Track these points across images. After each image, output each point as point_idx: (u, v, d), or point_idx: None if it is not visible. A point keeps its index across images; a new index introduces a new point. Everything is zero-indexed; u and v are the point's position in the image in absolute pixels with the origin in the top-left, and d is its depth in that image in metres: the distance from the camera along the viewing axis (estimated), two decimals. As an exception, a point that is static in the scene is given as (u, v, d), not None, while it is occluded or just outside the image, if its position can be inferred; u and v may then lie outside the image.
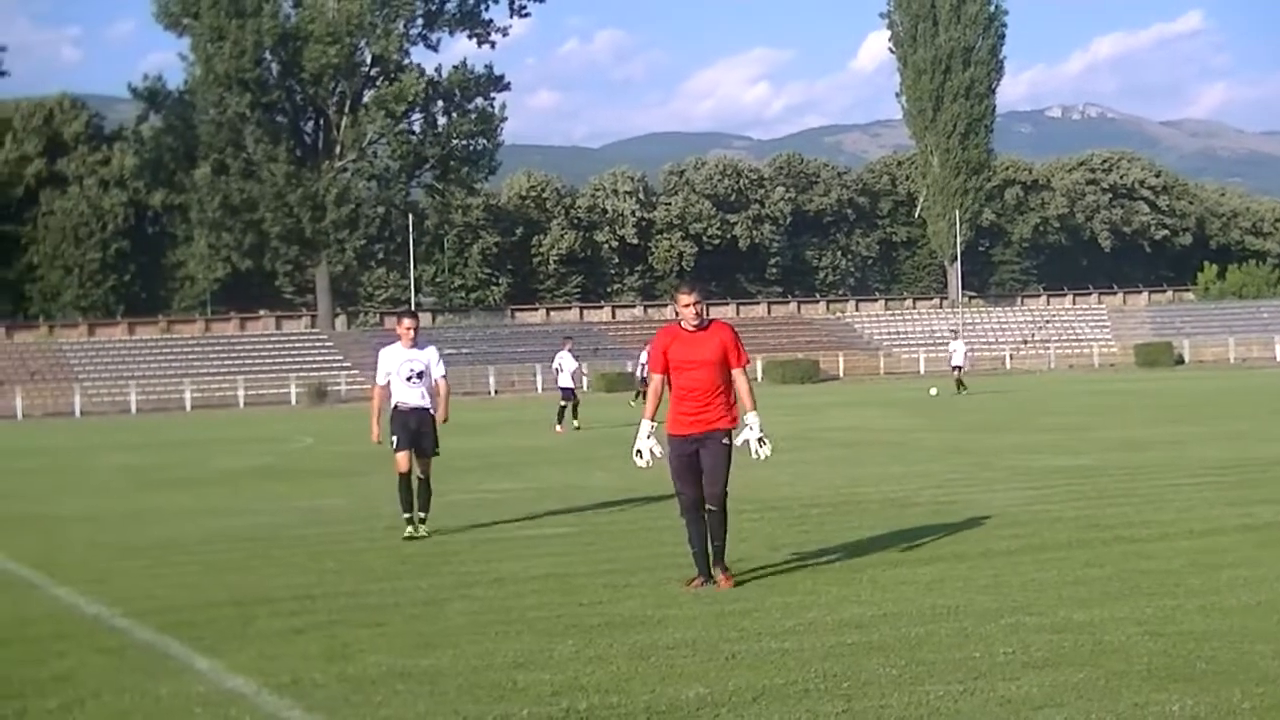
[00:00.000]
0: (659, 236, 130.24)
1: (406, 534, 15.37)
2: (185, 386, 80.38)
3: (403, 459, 15.67)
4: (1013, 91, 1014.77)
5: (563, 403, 38.03)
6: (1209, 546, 12.68)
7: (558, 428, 36.63)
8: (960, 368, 54.83)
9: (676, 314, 11.73)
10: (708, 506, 11.42)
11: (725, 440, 11.44)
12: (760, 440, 11.54)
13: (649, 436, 11.64)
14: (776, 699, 7.81)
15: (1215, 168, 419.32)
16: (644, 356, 39.65)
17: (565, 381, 38.24)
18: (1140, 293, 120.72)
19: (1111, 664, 8.29)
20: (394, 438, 15.76)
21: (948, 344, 61.69)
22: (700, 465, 11.40)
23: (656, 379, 11.63)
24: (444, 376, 16.08)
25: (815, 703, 7.68)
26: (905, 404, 47.43)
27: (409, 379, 15.73)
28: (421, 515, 15.62)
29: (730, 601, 10.72)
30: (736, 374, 11.51)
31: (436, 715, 7.73)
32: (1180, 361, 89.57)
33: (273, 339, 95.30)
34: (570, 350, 39.23)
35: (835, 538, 14.24)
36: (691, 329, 11.46)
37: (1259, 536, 13.17)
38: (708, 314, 11.81)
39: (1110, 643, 8.85)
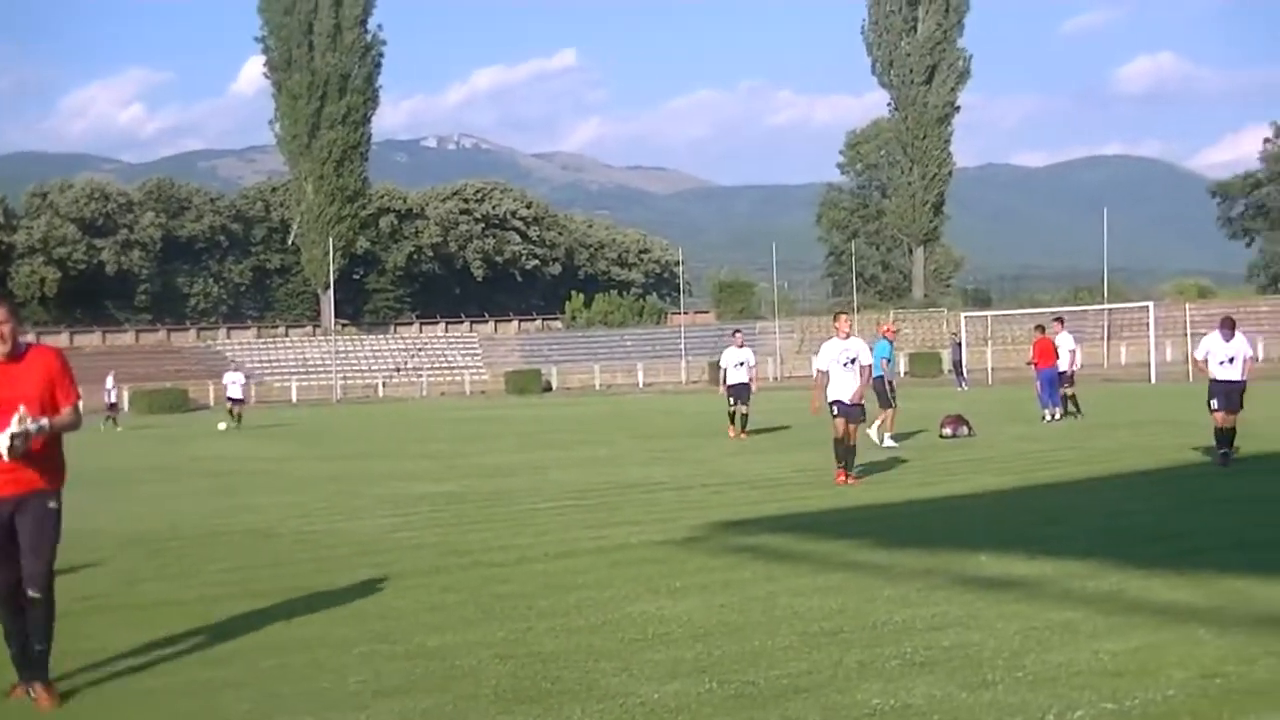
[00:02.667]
0: (19, 261, 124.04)
1: None
2: None
3: None
4: (392, 120, 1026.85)
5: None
6: (563, 569, 13.02)
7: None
8: (240, 400, 52.26)
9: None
10: (30, 592, 8.60)
11: (52, 503, 8.66)
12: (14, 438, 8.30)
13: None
14: (118, 743, 7.48)
15: (584, 200, 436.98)
16: None
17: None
18: (511, 321, 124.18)
19: (462, 688, 8.38)
20: None
21: (223, 375, 57.17)
22: (17, 539, 8.59)
23: None
24: None
25: (158, 744, 7.41)
26: (277, 432, 46.91)
27: None
28: None
29: (75, 641, 10.17)
30: (67, 414, 8.70)
31: None
32: (548, 388, 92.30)
33: None
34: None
35: (195, 571, 13.86)
36: (2, 359, 8.55)
37: (611, 558, 13.62)
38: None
39: (462, 667, 8.95)
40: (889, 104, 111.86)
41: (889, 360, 28.72)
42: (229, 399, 51.82)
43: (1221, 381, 20.81)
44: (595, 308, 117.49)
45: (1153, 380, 61.36)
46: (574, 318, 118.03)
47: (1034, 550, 12.70)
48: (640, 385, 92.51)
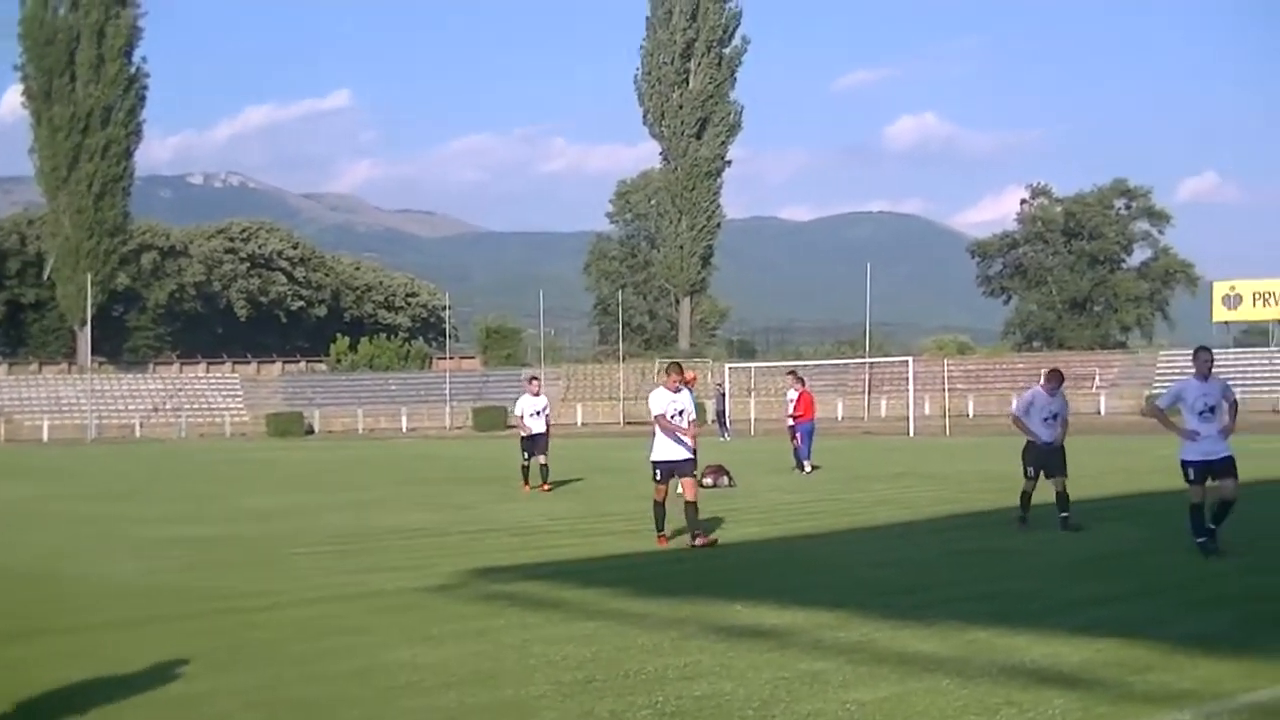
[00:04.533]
0: None
1: None
2: None
3: None
4: (159, 155, 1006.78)
5: None
6: (319, 614, 12.87)
7: None
8: None
9: None
10: None
11: None
12: None
13: None
14: None
15: (353, 242, 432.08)
16: None
17: None
18: (274, 362, 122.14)
19: (209, 737, 8.20)
20: None
21: None
22: None
23: None
24: None
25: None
26: (26, 471, 45.53)
27: None
28: None
29: None
30: None
31: None
32: (311, 431, 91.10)
33: None
34: None
35: (-70, 615, 13.35)
36: None
37: (370, 604, 13.50)
38: None
39: (210, 714, 8.78)
40: (660, 154, 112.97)
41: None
42: None
43: (1042, 443, 19.36)
44: (361, 350, 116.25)
45: (911, 434, 62.67)
46: (339, 360, 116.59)
47: (787, 600, 12.88)
48: (404, 430, 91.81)
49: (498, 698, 9.16)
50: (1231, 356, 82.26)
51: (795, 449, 34.60)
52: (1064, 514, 18.99)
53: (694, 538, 18.06)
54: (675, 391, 18.56)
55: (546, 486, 29.40)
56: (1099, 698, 8.84)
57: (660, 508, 18.52)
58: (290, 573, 16.10)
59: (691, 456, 18.67)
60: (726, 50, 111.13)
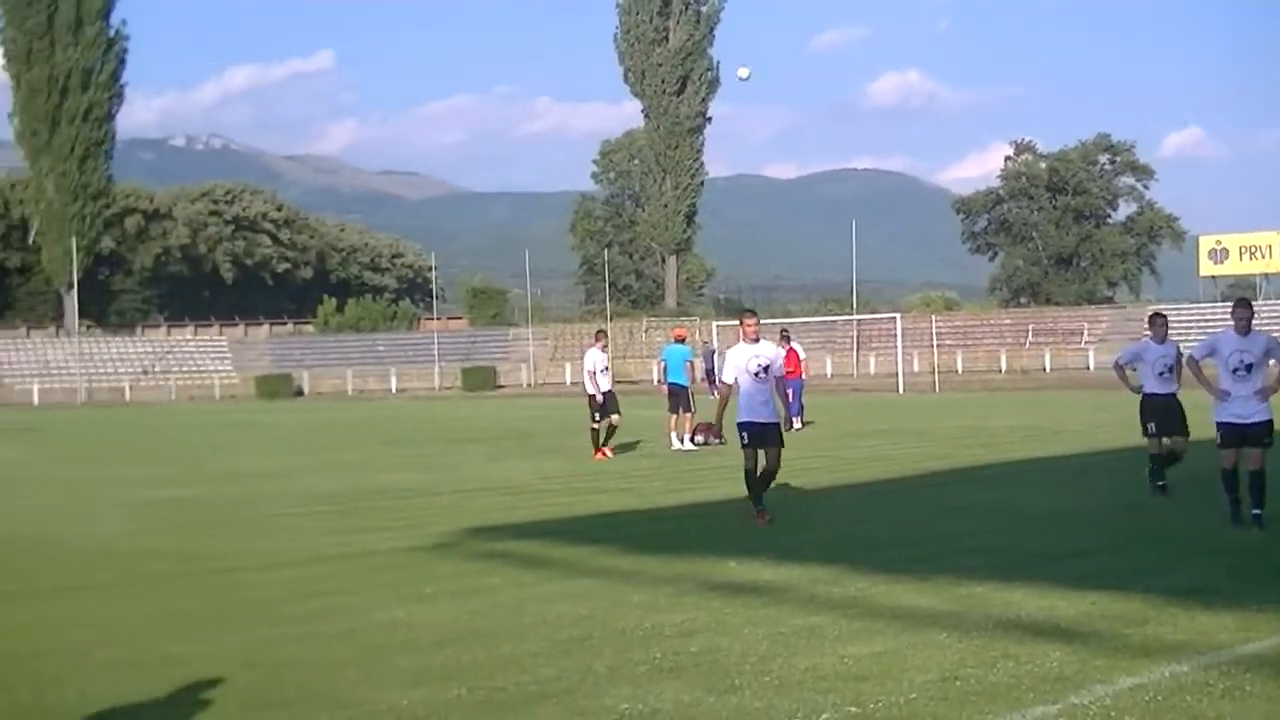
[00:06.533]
0: None
1: None
2: None
3: None
4: (142, 118, 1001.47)
5: None
6: (309, 575, 12.84)
7: None
8: None
9: None
10: None
11: None
12: None
13: None
14: None
15: (337, 204, 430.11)
16: None
17: None
18: (262, 324, 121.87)
19: (206, 696, 8.17)
20: None
21: None
22: None
23: None
24: None
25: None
26: (16, 434, 45.42)
27: None
28: None
29: None
30: None
31: None
32: (300, 393, 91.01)
33: None
34: None
35: (-78, 578, 13.31)
36: None
37: (358, 564, 13.46)
38: None
39: (204, 674, 8.72)
40: (642, 113, 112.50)
41: (690, 362, 29.26)
42: None
43: (1157, 396, 17.40)
44: (348, 312, 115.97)
45: (900, 390, 62.72)
46: (326, 322, 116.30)
47: (781, 556, 12.87)
48: (393, 391, 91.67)
49: (494, 655, 9.13)
50: (1222, 310, 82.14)
51: (785, 406, 34.56)
52: (1160, 482, 17.28)
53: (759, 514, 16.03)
54: (754, 342, 16.20)
55: (609, 451, 27.03)
56: (1095, 650, 8.82)
57: (753, 477, 16.11)
58: (280, 534, 16.07)
59: (778, 421, 16.52)
60: (704, 8, 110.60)
